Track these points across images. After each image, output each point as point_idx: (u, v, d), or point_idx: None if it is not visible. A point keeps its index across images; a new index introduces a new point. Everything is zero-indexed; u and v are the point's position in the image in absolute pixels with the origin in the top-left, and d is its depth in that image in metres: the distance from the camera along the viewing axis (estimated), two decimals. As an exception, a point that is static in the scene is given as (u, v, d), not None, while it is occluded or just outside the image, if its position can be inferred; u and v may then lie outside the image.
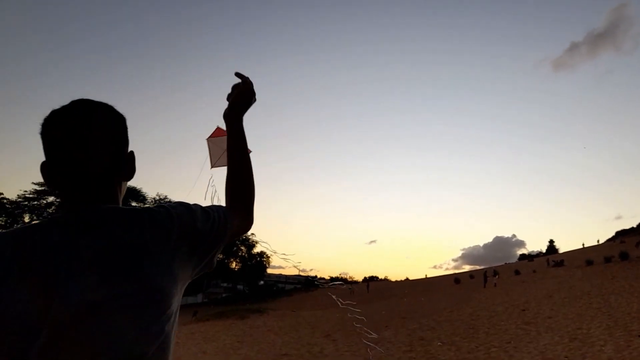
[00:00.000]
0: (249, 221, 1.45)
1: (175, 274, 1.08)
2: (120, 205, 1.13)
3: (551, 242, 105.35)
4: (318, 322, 25.98)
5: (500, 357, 10.96)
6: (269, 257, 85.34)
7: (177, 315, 1.13)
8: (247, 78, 1.49)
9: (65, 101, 1.15)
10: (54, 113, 1.12)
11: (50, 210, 68.57)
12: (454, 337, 14.81)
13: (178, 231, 1.12)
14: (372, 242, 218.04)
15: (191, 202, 1.25)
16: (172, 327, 1.08)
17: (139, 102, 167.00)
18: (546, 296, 21.60)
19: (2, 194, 64.79)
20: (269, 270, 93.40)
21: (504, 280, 38.67)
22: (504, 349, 11.92)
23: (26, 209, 67.44)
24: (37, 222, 1.08)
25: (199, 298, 78.06)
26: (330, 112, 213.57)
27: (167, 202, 1.25)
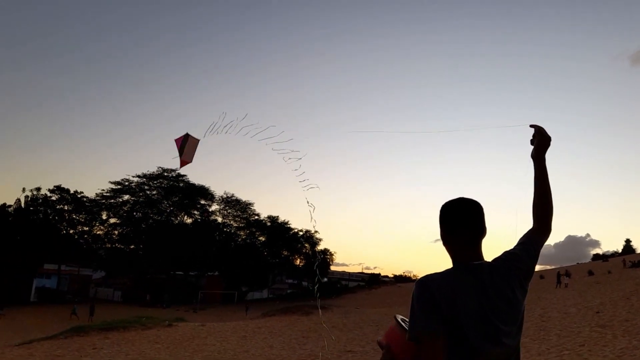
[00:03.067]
0: (548, 233, 2.12)
1: (519, 298, 1.86)
2: (487, 261, 1.92)
3: (628, 241, 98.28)
4: (382, 320, 25.92)
5: (573, 360, 10.61)
6: (332, 254, 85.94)
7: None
8: (542, 128, 2.15)
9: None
10: (455, 202, 1.96)
11: (125, 208, 72.70)
12: (523, 338, 14.32)
13: (514, 270, 1.90)
14: (437, 240, 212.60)
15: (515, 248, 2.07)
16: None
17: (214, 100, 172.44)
18: (623, 298, 20.54)
19: (82, 192, 68.92)
20: (333, 267, 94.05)
21: (577, 280, 37.07)
22: (577, 352, 11.51)
23: (103, 206, 71.28)
24: (451, 269, 1.89)
25: (265, 294, 79.68)
26: (395, 104, 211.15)
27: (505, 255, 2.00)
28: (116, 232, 72.88)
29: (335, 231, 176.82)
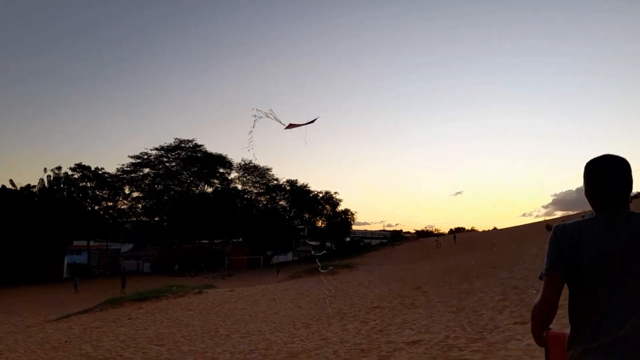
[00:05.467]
0: None
1: None
2: (630, 210, 1.94)
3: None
4: (407, 275, 26.22)
5: (600, 303, 10.63)
6: (353, 214, 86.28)
7: None
8: None
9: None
10: (601, 160, 2.01)
11: (146, 181, 73.65)
12: (549, 283, 14.47)
13: None
14: (457, 193, 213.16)
15: None
16: None
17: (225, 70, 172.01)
18: (649, 239, 20.39)
19: (103, 169, 69.90)
20: (354, 227, 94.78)
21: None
22: (603, 294, 11.54)
23: (125, 181, 72.30)
24: (586, 218, 1.98)
25: (289, 256, 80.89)
26: (413, 58, 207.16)
27: None
28: (140, 205, 74.17)
29: (356, 191, 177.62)
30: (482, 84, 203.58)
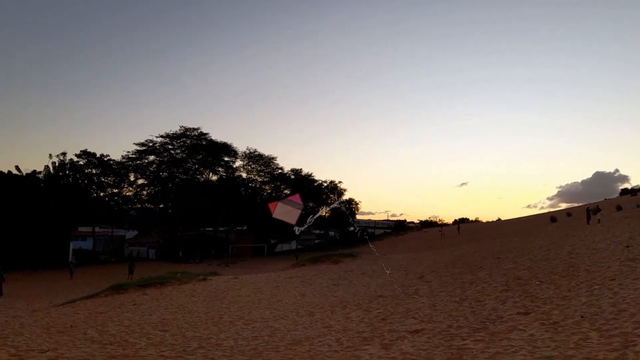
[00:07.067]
0: None
1: None
2: None
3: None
4: (411, 264, 26.27)
5: (603, 295, 10.63)
6: (357, 203, 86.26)
7: None
8: None
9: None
10: None
11: (151, 169, 73.75)
12: (553, 275, 14.47)
13: None
14: (463, 184, 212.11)
15: None
16: None
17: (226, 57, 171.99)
18: (654, 231, 20.36)
19: (108, 155, 69.98)
20: (358, 216, 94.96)
21: (605, 216, 36.58)
22: (607, 286, 11.52)
23: (130, 168, 72.43)
24: None
25: (293, 245, 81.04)
26: (418, 53, 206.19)
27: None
28: (145, 192, 74.37)
29: (361, 180, 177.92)
30: (489, 78, 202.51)
